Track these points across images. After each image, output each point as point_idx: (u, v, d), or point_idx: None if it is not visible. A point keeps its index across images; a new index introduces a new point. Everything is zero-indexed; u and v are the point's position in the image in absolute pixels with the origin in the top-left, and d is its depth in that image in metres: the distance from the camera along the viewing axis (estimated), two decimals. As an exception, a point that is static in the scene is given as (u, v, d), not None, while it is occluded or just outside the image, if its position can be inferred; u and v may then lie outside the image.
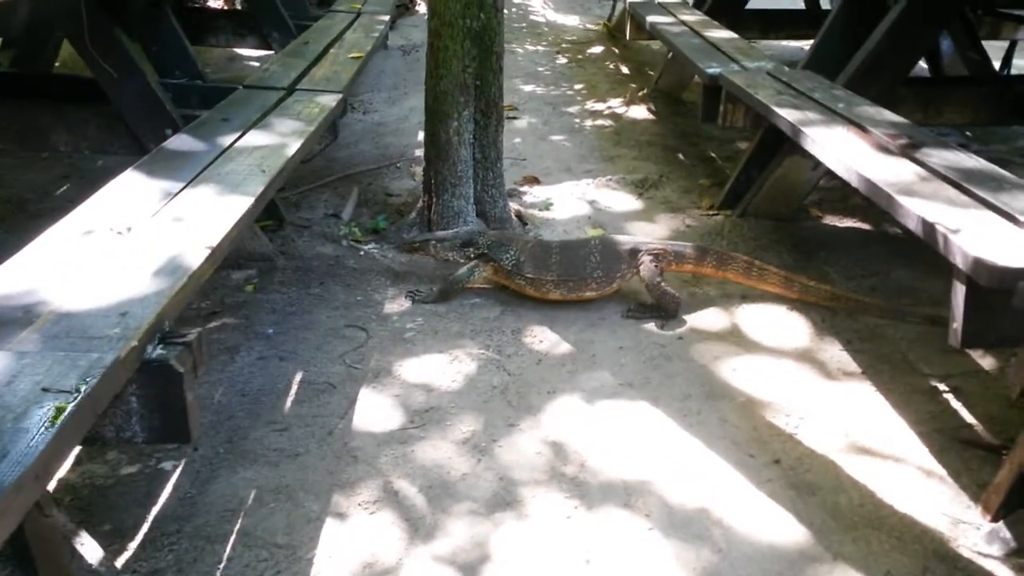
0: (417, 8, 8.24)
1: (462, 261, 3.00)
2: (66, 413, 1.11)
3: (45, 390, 1.16)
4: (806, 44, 6.81)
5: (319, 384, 2.51)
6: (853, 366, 2.59)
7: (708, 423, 2.30)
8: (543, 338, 2.76)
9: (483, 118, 3.37)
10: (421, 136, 4.98)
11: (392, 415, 2.36)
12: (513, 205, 3.68)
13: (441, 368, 2.59)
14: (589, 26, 8.27)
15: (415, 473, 2.11)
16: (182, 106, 3.20)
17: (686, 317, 2.87)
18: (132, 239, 1.77)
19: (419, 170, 4.39)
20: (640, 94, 5.71)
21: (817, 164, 3.24)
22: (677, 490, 2.04)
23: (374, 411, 2.37)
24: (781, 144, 3.33)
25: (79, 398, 1.15)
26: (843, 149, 2.57)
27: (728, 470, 2.11)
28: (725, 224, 3.62)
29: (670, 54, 5.33)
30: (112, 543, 1.85)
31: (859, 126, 2.79)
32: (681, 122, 5.23)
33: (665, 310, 2.84)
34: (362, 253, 3.38)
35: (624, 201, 3.95)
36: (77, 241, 1.74)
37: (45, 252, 1.67)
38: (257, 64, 6.40)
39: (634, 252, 2.92)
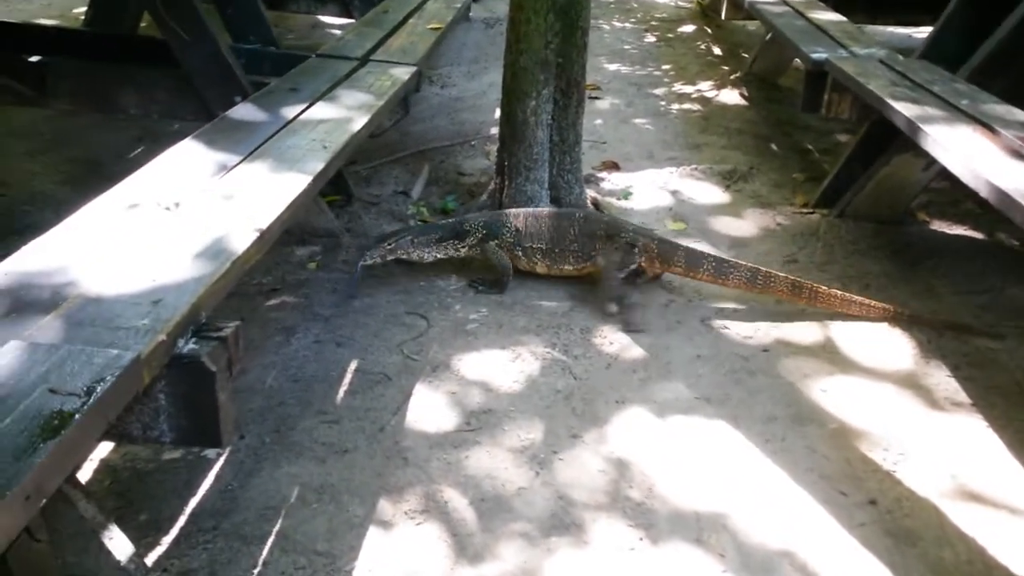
0: (503, -20, 8.02)
1: (440, 256, 2.82)
2: (70, 422, 0.98)
3: (52, 391, 1.03)
4: (917, 31, 6.35)
5: (374, 374, 2.37)
6: (962, 396, 2.31)
7: (794, 451, 2.07)
8: (613, 339, 2.56)
9: (563, 98, 3.16)
10: (498, 113, 4.82)
11: (447, 415, 2.20)
12: (590, 192, 3.47)
13: (502, 366, 2.42)
14: (680, 3, 7.90)
15: (467, 483, 1.96)
16: (253, 72, 3.09)
17: (772, 328, 2.62)
18: (178, 216, 1.64)
19: (494, 149, 4.21)
20: (732, 77, 5.39)
21: (929, 164, 2.93)
22: (756, 527, 1.83)
23: (429, 409, 2.22)
24: (891, 140, 3.01)
25: (88, 404, 1.02)
26: (968, 151, 2.27)
27: (815, 508, 1.88)
28: (821, 224, 3.32)
29: (768, 36, 4.98)
30: (146, 535, 1.76)
31: (987, 126, 2.47)
32: (776, 109, 4.89)
33: (605, 307, 2.66)
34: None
35: (710, 193, 3.68)
36: (120, 215, 1.63)
37: (85, 226, 1.56)
38: (339, 32, 6.32)
39: (611, 235, 2.74)
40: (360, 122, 2.36)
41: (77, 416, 1.00)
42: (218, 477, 1.95)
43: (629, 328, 2.60)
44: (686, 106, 5.00)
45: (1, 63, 2.80)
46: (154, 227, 1.60)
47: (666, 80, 5.51)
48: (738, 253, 3.11)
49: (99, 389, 1.05)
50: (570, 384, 2.33)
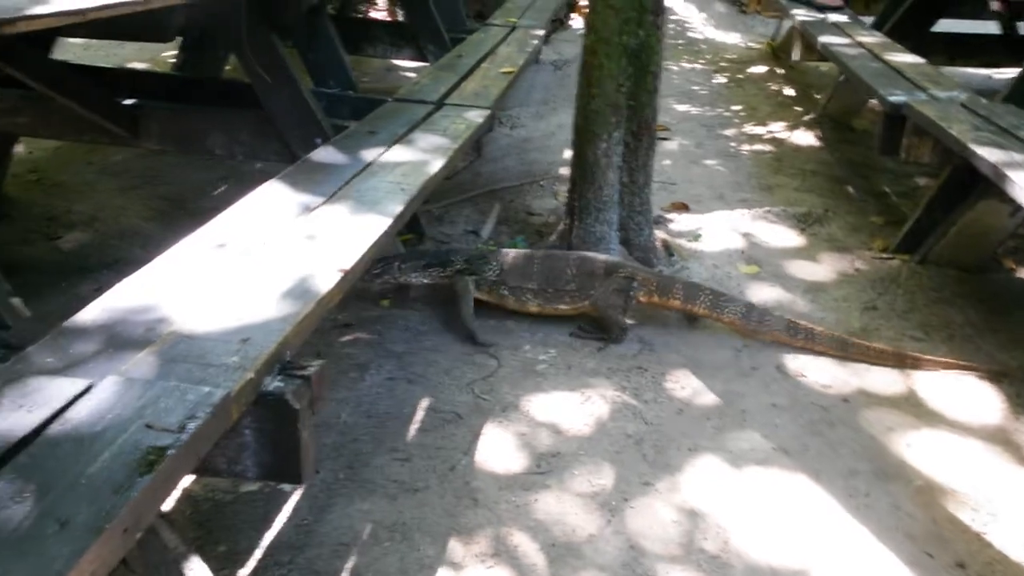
0: (571, 23, 8.14)
1: (427, 282, 2.81)
2: (166, 457, 1.02)
3: (148, 427, 1.07)
4: (997, 72, 6.18)
5: (445, 413, 2.38)
6: (1057, 454, 2.20)
7: (877, 508, 1.99)
8: (685, 384, 2.52)
9: (634, 140, 3.17)
10: (567, 154, 4.85)
11: (517, 456, 2.20)
12: (659, 233, 3.45)
13: (572, 408, 2.40)
14: (751, 44, 7.87)
15: (537, 527, 1.94)
16: (334, 116, 3.20)
17: (851, 376, 2.54)
18: (263, 256, 1.70)
19: (563, 190, 4.24)
20: (805, 118, 5.32)
21: (1016, 210, 2.83)
22: (837, 586, 1.76)
23: (498, 449, 2.22)
24: (974, 185, 2.92)
25: (182, 439, 1.05)
26: (1062, 198, 2.19)
27: (900, 569, 1.80)
28: (902, 271, 3.23)
29: (841, 77, 4.92)
30: (224, 567, 1.79)
31: (1080, 171, 2.38)
32: (850, 151, 4.81)
33: (607, 332, 2.71)
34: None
35: (783, 236, 3.62)
36: (209, 254, 1.69)
37: (176, 264, 1.63)
38: (413, 75, 6.48)
39: (609, 271, 2.74)
40: (436, 165, 2.41)
41: (171, 451, 1.03)
42: (294, 511, 1.97)
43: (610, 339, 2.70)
44: (757, 147, 4.95)
45: (98, 105, 2.95)
46: (241, 266, 1.65)
47: (736, 121, 5.47)
48: (815, 298, 3.05)
49: (192, 425, 1.08)
50: (641, 429, 2.30)
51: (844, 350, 2.63)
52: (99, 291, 3.03)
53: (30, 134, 3.24)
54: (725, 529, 1.92)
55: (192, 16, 2.29)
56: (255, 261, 1.67)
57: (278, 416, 1.32)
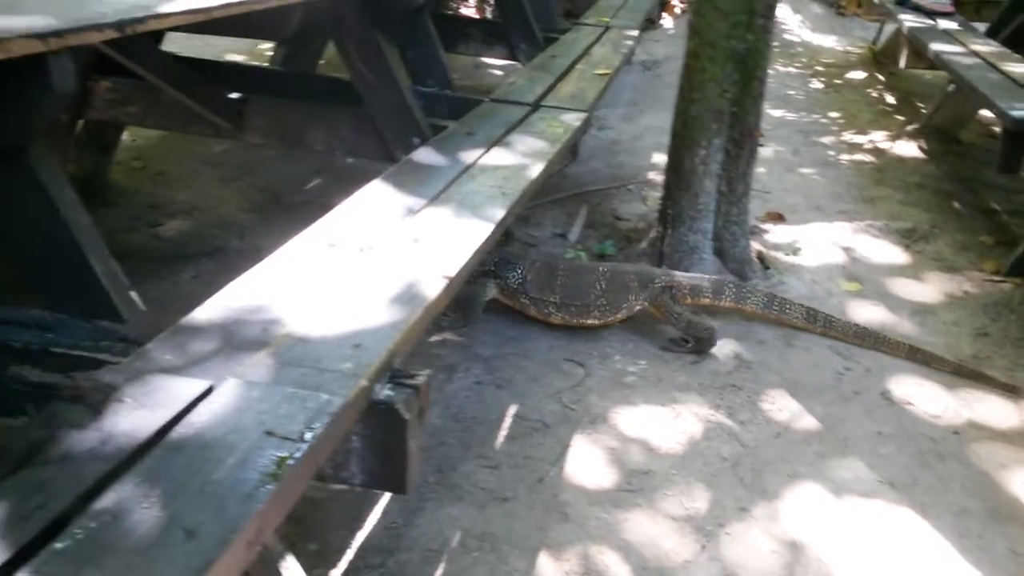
0: (661, 23, 8.00)
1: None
2: (289, 466, 1.01)
3: (269, 433, 1.07)
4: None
5: (532, 421, 2.35)
6: None
7: (992, 551, 1.87)
8: (783, 406, 2.43)
9: (735, 148, 3.07)
10: (655, 157, 4.77)
11: (606, 471, 2.15)
12: (755, 245, 3.35)
13: (662, 424, 2.34)
14: (848, 48, 7.60)
15: (628, 547, 1.89)
16: (430, 115, 3.19)
17: (962, 407, 2.41)
18: (371, 259, 1.70)
19: (652, 194, 4.16)
20: (909, 128, 5.09)
21: None
22: (950, 635, 1.66)
23: (587, 463, 2.18)
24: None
25: (304, 448, 1.05)
26: None
27: (1020, 621, 1.69)
28: (1014, 295, 3.05)
29: (951, 87, 4.69)
30: (316, 567, 1.80)
31: None
32: (957, 164, 4.58)
33: (697, 342, 2.69)
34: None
35: (886, 252, 3.47)
36: (319, 254, 1.69)
37: (287, 264, 1.64)
38: (500, 73, 6.48)
39: (644, 284, 2.71)
40: (536, 169, 2.38)
41: (294, 460, 1.03)
42: (385, 512, 1.98)
43: (700, 350, 2.68)
44: (857, 156, 4.76)
45: (205, 98, 3.02)
46: (350, 268, 1.65)
47: (834, 128, 5.28)
48: (922, 321, 2.91)
49: (313, 434, 1.08)
50: (737, 451, 2.23)
51: (862, 339, 2.72)
52: (197, 279, 3.14)
53: (139, 124, 3.34)
54: (827, 564, 1.84)
55: (305, 14, 2.31)
56: (363, 263, 1.67)
57: (387, 425, 1.31)
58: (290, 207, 3.80)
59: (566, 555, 1.87)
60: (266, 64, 5.09)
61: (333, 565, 1.81)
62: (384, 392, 1.32)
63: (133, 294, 1.52)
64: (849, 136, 5.11)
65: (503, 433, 2.31)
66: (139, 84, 3.03)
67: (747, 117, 3.01)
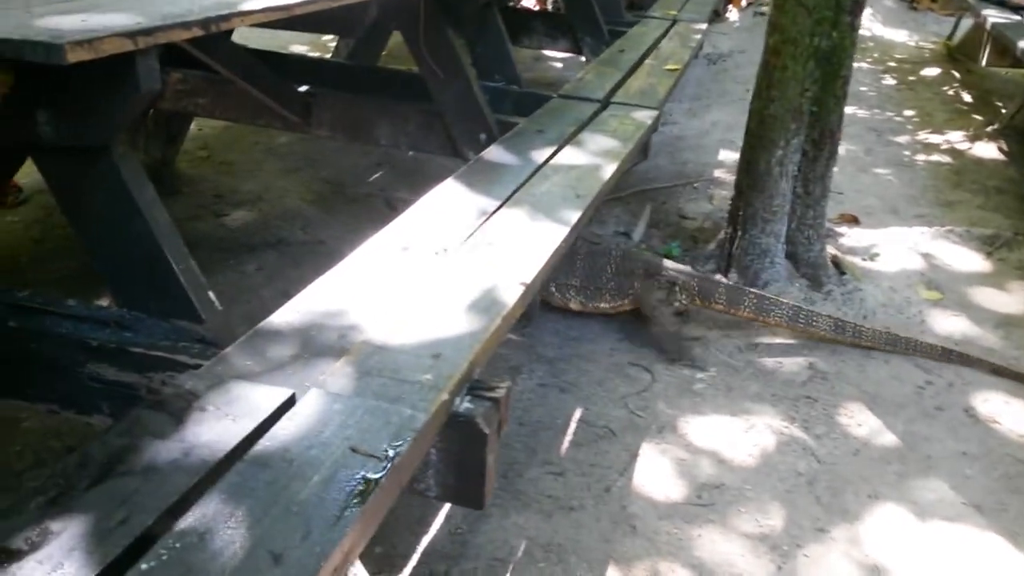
0: (727, 15, 7.82)
1: None
2: (376, 486, 0.98)
3: (353, 450, 1.03)
4: None
5: (598, 427, 2.30)
6: None
7: (1094, 589, 1.76)
8: (862, 421, 2.33)
9: (814, 149, 2.96)
10: (722, 154, 4.65)
11: (676, 483, 2.09)
12: (829, 249, 3.23)
13: (734, 436, 2.27)
14: (921, 44, 7.32)
15: (701, 565, 1.83)
16: (497, 110, 3.15)
17: (1056, 428, 2.28)
18: (447, 263, 1.66)
19: (718, 193, 4.05)
20: (988, 129, 4.87)
21: None
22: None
23: (656, 473, 2.12)
24: None
25: (389, 467, 1.01)
26: None
27: None
28: (1109, 310, 2.89)
29: (1039, 86, 4.47)
30: (380, 571, 1.78)
31: None
32: (1042, 168, 4.37)
33: (665, 348, 2.61)
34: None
35: (967, 259, 3.32)
36: (394, 258, 1.66)
37: (363, 267, 1.61)
38: (561, 65, 6.41)
39: (650, 273, 2.61)
40: (609, 169, 2.31)
41: (381, 479, 0.99)
42: (448, 517, 1.95)
43: (694, 364, 2.58)
44: (933, 157, 4.58)
45: (274, 91, 3.02)
46: (425, 272, 1.62)
47: (909, 127, 5.09)
48: (1007, 334, 2.77)
49: (399, 452, 1.04)
50: (813, 468, 2.14)
51: (894, 346, 2.63)
52: (261, 271, 3.15)
53: (208, 115, 3.36)
54: (914, 593, 1.75)
55: (379, 9, 2.28)
56: (438, 267, 1.64)
57: (466, 438, 1.27)
58: (354, 199, 3.80)
59: (635, 570, 1.81)
60: (330, 56, 5.12)
61: (399, 570, 1.79)
62: (464, 405, 1.29)
63: (211, 294, 1.51)
64: (924, 135, 4.91)
65: (568, 439, 2.26)
66: (209, 76, 3.04)
67: (829, 117, 2.90)
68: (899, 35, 7.60)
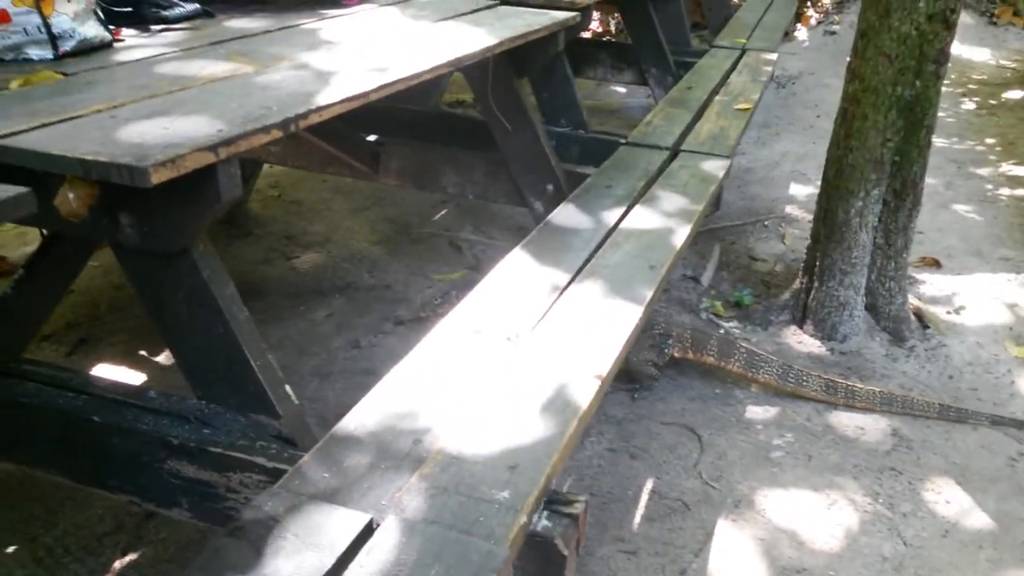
0: (796, 35, 7.63)
1: None
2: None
3: (435, 596, 1.01)
4: None
5: (671, 500, 2.24)
6: None
7: None
8: (950, 497, 2.21)
9: (895, 199, 2.84)
10: (793, 188, 4.52)
11: (755, 567, 2.01)
12: (911, 300, 3.09)
13: (815, 513, 2.17)
14: (1003, 63, 7.02)
15: (783, 663, 1.75)
16: (563, 156, 3.12)
17: None
18: (518, 351, 1.63)
19: (790, 231, 3.94)
20: (1080, 160, 4.63)
21: None
22: None
23: (733, 556, 2.04)
24: None
25: (470, 617, 0.98)
26: None
27: None
28: None
29: None
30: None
31: None
32: None
33: (638, 381, 2.64)
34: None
35: (1060, 311, 3.14)
36: (466, 343, 1.64)
37: (435, 355, 1.59)
38: (624, 91, 6.33)
39: (644, 328, 2.52)
40: (681, 235, 2.25)
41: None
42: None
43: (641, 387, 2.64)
44: (1019, 192, 4.37)
45: (344, 142, 3.05)
46: (497, 362, 1.59)
47: (992, 158, 4.87)
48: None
49: (479, 597, 1.01)
50: (899, 551, 2.04)
51: (890, 405, 2.55)
52: (331, 317, 3.18)
53: (280, 163, 3.42)
54: None
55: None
56: (510, 356, 1.61)
57: (543, 558, 1.24)
58: (418, 239, 3.82)
59: (713, 666, 1.75)
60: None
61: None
62: (541, 524, 1.25)
63: (287, 388, 1.51)
64: (1008, 167, 4.69)
65: (640, 512, 2.20)
66: (281, 127, 3.09)
67: (911, 168, 2.78)
68: (979, 53, 7.30)
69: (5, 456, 1.68)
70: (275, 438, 1.47)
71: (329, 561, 1.07)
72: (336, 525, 1.14)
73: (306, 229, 3.90)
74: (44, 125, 1.34)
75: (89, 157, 1.19)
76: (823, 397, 2.59)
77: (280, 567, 1.06)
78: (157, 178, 1.16)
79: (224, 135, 1.30)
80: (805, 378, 2.60)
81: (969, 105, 5.86)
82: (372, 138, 3.14)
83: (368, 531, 1.13)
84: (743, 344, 2.68)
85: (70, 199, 1.26)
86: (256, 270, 3.51)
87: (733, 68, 4.32)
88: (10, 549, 2.04)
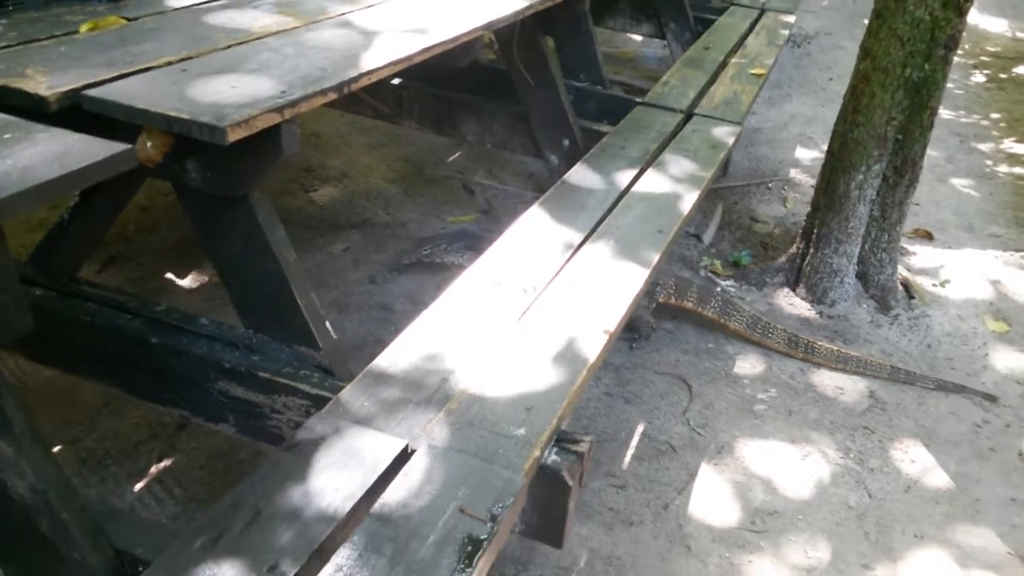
0: (816, -9, 7.58)
1: (464, 263, 2.85)
2: (481, 549, 1.14)
3: (462, 511, 1.20)
4: None
5: (660, 443, 2.44)
6: None
7: (1125, 653, 1.86)
8: (916, 457, 2.42)
9: (894, 175, 2.98)
10: (799, 152, 4.64)
11: (731, 507, 2.23)
12: (900, 271, 3.26)
13: (790, 463, 2.38)
14: (1020, 35, 7.03)
15: (749, 592, 1.98)
16: (580, 111, 3.23)
17: (1108, 482, 2.34)
18: (534, 303, 1.79)
19: (792, 195, 4.08)
20: (1080, 141, 4.74)
21: None
22: None
23: (712, 495, 2.26)
24: None
25: (494, 530, 1.17)
26: None
27: None
28: None
29: None
30: (456, 570, 1.98)
31: None
32: None
33: (637, 330, 2.84)
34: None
35: (1040, 290, 3.32)
36: (486, 294, 1.80)
37: (458, 303, 1.75)
38: (640, 39, 6.35)
39: None
40: (689, 200, 2.40)
41: (486, 541, 1.15)
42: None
43: (640, 337, 2.84)
44: (1017, 170, 4.49)
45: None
46: (514, 312, 1.75)
47: (995, 133, 4.97)
48: (1073, 379, 2.80)
49: (501, 514, 1.20)
50: (864, 502, 2.25)
51: (845, 364, 2.76)
52: (348, 251, 3.33)
53: (304, 100, 3.51)
54: (949, 640, 1.88)
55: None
56: (526, 307, 1.77)
57: (551, 487, 1.43)
58: (433, 180, 3.94)
59: (688, 591, 1.97)
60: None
61: (473, 572, 1.98)
62: (551, 458, 1.44)
63: (328, 324, 1.67)
64: (1010, 144, 4.80)
65: (631, 452, 2.41)
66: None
67: (912, 146, 2.91)
68: (996, 24, 7.30)
69: (67, 368, 1.86)
70: (316, 368, 1.64)
71: (372, 478, 1.25)
72: (376, 447, 1.32)
73: (324, 163, 4.02)
74: (122, 76, 1.47)
75: (172, 113, 1.33)
76: (784, 349, 2.83)
77: (331, 479, 1.25)
78: (233, 136, 1.31)
79: (288, 97, 1.44)
80: (770, 331, 2.83)
81: (979, 78, 5.92)
82: (396, 81, 3.23)
83: (404, 455, 1.32)
84: (719, 292, 2.90)
85: (148, 147, 1.40)
86: (276, 200, 3.64)
87: (751, 30, 4.38)
88: (55, 448, 2.24)
